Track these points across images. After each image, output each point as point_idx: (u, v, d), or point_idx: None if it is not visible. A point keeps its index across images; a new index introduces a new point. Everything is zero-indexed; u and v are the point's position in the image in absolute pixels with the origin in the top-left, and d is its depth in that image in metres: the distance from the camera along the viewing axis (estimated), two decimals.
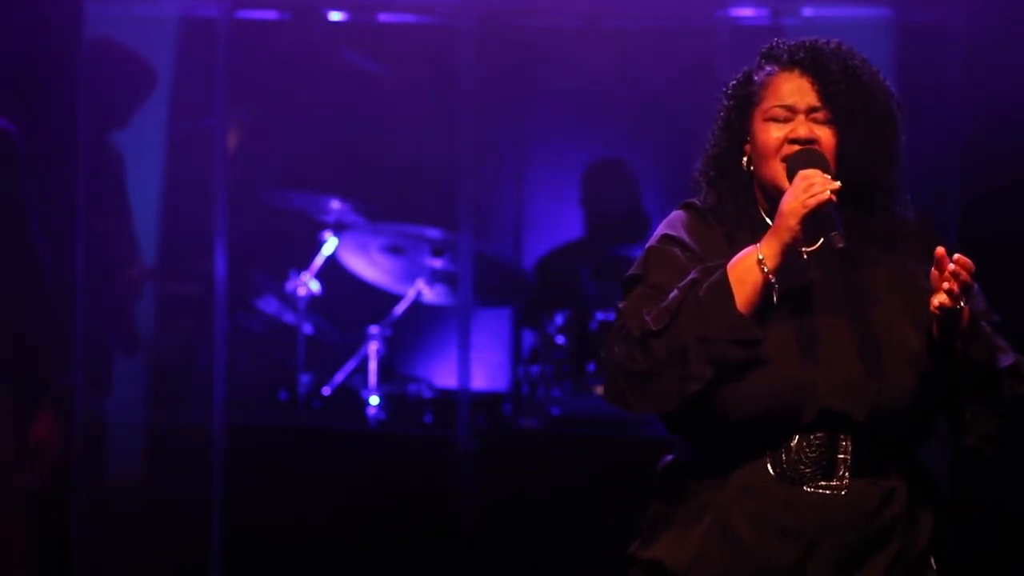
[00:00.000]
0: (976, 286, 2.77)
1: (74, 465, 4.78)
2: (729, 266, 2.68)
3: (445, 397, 6.14)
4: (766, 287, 2.67)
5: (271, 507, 5.70)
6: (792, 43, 2.81)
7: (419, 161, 6.35)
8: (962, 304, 2.63)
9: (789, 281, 2.69)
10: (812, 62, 2.77)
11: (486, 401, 6.11)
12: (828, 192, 2.63)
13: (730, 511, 2.74)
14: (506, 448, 5.89)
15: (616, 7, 6.25)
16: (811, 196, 2.63)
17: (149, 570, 5.57)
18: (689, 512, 2.78)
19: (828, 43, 2.80)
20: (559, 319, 6.03)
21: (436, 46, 6.27)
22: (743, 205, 2.81)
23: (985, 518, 5.23)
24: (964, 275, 2.62)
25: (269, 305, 6.40)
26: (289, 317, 6.35)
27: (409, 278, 6.46)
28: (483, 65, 6.14)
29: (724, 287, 2.66)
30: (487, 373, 6.45)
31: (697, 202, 2.86)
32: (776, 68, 2.80)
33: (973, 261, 2.68)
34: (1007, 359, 2.75)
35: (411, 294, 6.43)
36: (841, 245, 2.62)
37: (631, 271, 2.81)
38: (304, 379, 6.24)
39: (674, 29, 6.26)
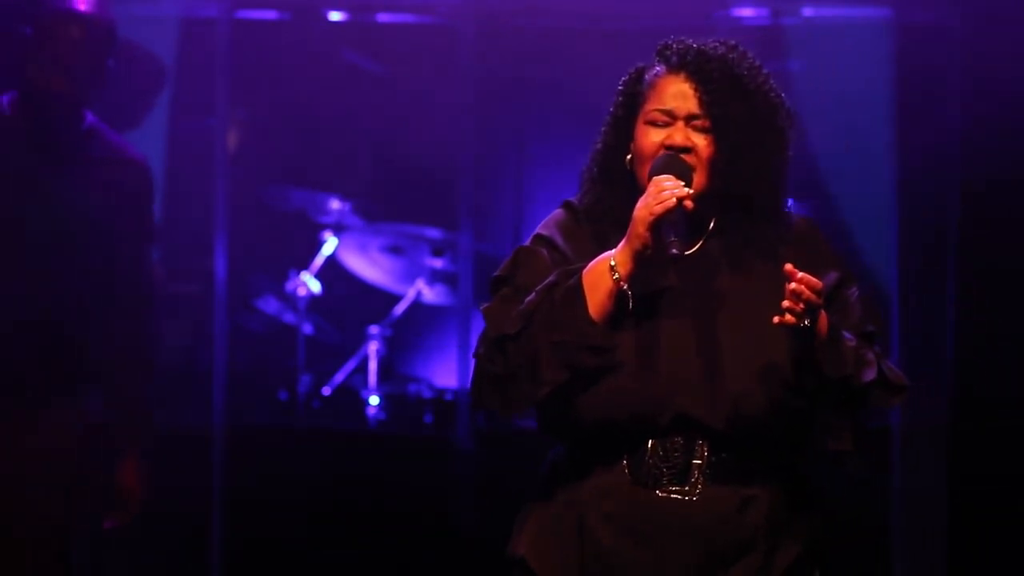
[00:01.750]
0: (856, 292, 2.80)
1: (77, 465, 4.78)
2: (584, 272, 2.69)
3: (445, 397, 6.14)
4: (619, 294, 2.67)
5: (271, 507, 5.70)
6: (684, 45, 2.80)
7: (419, 161, 6.34)
8: (806, 323, 2.60)
9: (644, 288, 2.69)
10: (697, 68, 2.75)
11: None
12: (675, 199, 2.62)
13: (588, 512, 2.75)
14: (506, 448, 5.88)
15: (616, 7, 6.25)
16: (659, 203, 2.63)
17: (149, 570, 5.57)
18: (553, 511, 2.81)
19: (718, 48, 2.78)
20: None
21: (436, 46, 6.26)
22: (619, 204, 2.79)
23: (983, 521, 5.24)
24: (807, 294, 2.59)
25: (269, 305, 6.40)
26: (289, 317, 6.35)
27: (409, 278, 6.46)
28: (483, 65, 6.14)
29: (578, 293, 2.67)
30: None
31: (574, 201, 2.87)
32: (664, 70, 2.79)
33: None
34: (869, 374, 2.71)
35: (411, 294, 6.43)
36: (674, 252, 2.62)
37: (498, 271, 2.83)
38: (304, 379, 6.24)
39: (674, 29, 6.24)
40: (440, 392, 6.22)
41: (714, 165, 2.73)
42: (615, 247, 2.70)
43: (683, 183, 2.66)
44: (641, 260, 2.66)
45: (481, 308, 2.80)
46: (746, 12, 6.16)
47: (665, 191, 2.64)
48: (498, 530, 5.92)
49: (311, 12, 6.34)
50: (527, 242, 2.85)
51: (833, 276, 2.80)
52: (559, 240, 2.82)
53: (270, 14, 6.32)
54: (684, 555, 2.71)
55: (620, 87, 2.87)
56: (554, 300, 2.68)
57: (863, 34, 5.94)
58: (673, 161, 2.72)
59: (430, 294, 6.46)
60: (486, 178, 6.44)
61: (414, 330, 6.61)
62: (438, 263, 6.39)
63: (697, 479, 2.72)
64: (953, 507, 5.35)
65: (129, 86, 5.67)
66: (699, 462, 2.72)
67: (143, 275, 4.23)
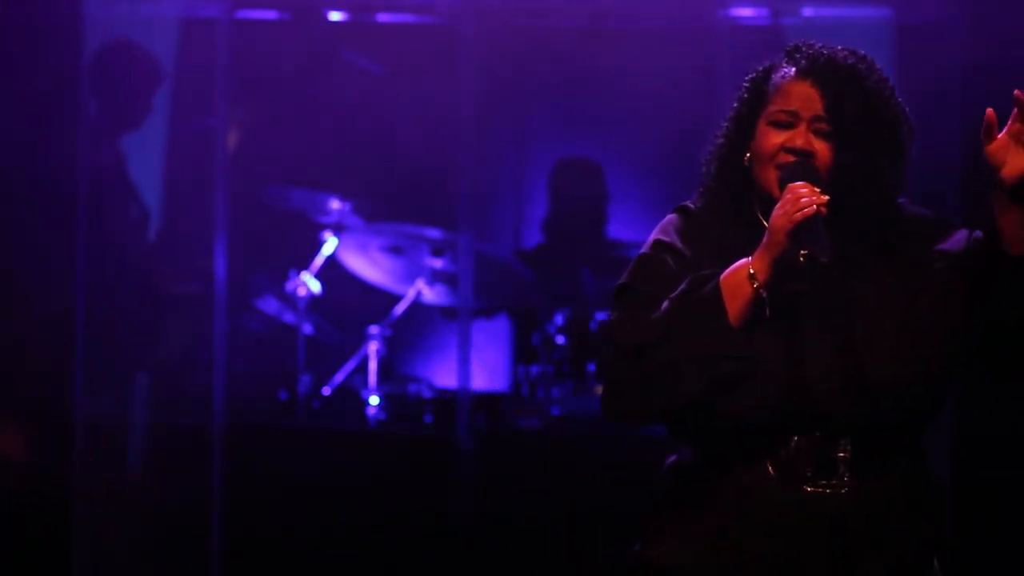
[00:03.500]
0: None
1: (74, 465, 4.79)
2: (722, 279, 2.69)
3: (445, 397, 6.14)
4: (757, 301, 2.67)
5: (271, 507, 5.70)
6: (814, 49, 2.79)
7: (419, 161, 6.34)
8: None
9: (782, 294, 2.69)
10: (826, 73, 2.75)
11: (486, 401, 6.11)
12: (815, 206, 2.62)
13: (730, 513, 2.75)
14: (506, 448, 5.89)
15: (616, 7, 6.25)
16: (798, 210, 2.63)
17: (149, 570, 5.57)
18: (691, 514, 2.80)
19: (848, 56, 2.78)
20: (559, 319, 6.03)
21: (436, 46, 6.26)
22: (739, 204, 2.81)
23: (987, 509, 5.23)
24: None
25: (269, 305, 6.40)
26: (289, 317, 6.35)
27: (409, 278, 6.46)
28: (483, 65, 6.14)
29: (717, 301, 2.67)
30: (487, 373, 6.45)
31: (690, 204, 2.86)
32: (792, 72, 2.78)
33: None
34: None
35: (411, 294, 6.43)
36: (824, 259, 2.63)
37: (621, 280, 2.82)
38: (304, 379, 6.24)
39: (674, 29, 6.26)
40: (440, 392, 6.22)
41: (832, 172, 2.73)
42: (736, 246, 2.72)
43: (819, 190, 2.66)
44: (780, 267, 2.66)
45: (609, 317, 2.79)
46: (746, 12, 6.16)
47: (803, 198, 2.64)
48: (498, 530, 5.93)
49: (311, 12, 6.34)
50: (647, 249, 2.83)
51: (963, 233, 2.83)
52: (680, 246, 2.81)
53: (270, 14, 6.32)
54: (829, 549, 2.73)
55: (745, 84, 2.85)
56: (693, 308, 2.68)
57: (863, 34, 5.94)
58: (804, 168, 2.72)
59: (430, 294, 6.46)
60: (486, 178, 6.44)
61: (414, 330, 6.61)
62: (438, 263, 6.39)
63: (843, 472, 2.73)
64: (954, 507, 5.34)
65: (130, 87, 5.68)
66: (843, 455, 2.73)
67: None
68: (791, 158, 2.74)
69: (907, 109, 2.81)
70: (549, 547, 5.58)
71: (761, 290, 2.66)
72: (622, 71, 6.34)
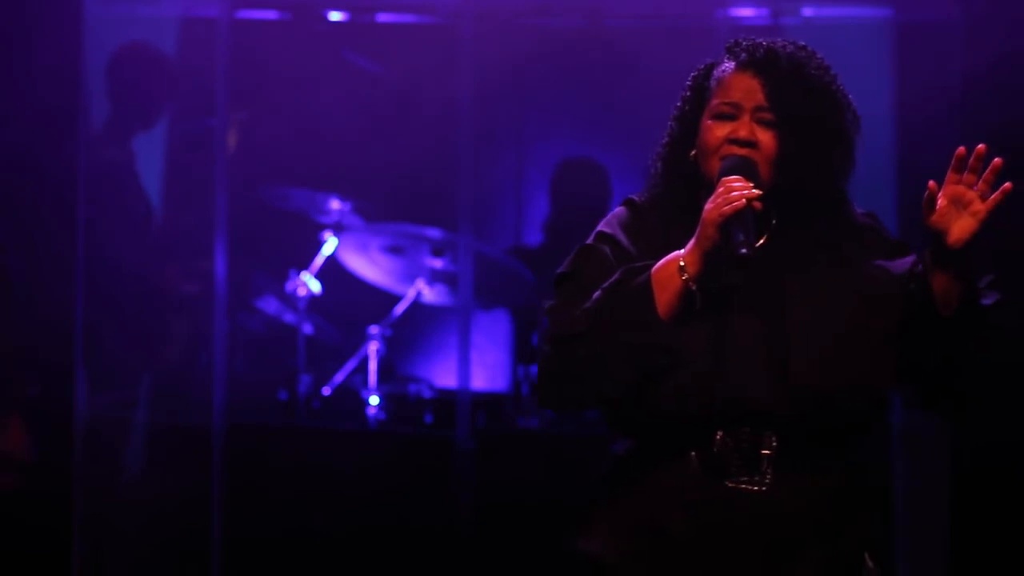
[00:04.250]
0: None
1: (75, 465, 4.79)
2: (653, 271, 2.70)
3: (445, 397, 6.14)
4: (687, 294, 2.68)
5: (271, 507, 5.70)
6: (753, 42, 2.82)
7: (419, 161, 6.34)
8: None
9: (713, 287, 2.70)
10: (766, 63, 2.78)
11: (486, 401, 6.11)
12: (744, 200, 2.63)
13: (659, 504, 2.77)
14: (506, 448, 5.89)
15: (616, 7, 6.25)
16: (728, 204, 2.64)
17: (149, 570, 5.57)
18: (623, 504, 2.82)
19: (787, 47, 2.81)
20: None
21: (436, 46, 6.26)
22: (684, 198, 2.82)
23: (985, 521, 5.23)
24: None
25: (269, 305, 6.40)
26: (289, 317, 6.35)
27: (409, 278, 6.45)
28: (483, 65, 6.14)
29: (646, 292, 2.69)
30: (487, 373, 6.45)
31: (636, 198, 2.89)
32: (732, 66, 2.81)
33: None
34: (989, 299, 2.80)
35: (411, 294, 6.43)
36: (745, 252, 2.63)
37: (560, 269, 2.84)
38: (304, 379, 6.24)
39: (674, 29, 6.26)
40: (440, 392, 6.22)
41: (777, 161, 2.76)
42: (679, 242, 2.73)
43: (752, 184, 2.68)
44: (710, 260, 2.68)
45: (545, 306, 2.81)
46: (746, 12, 6.16)
47: (734, 192, 2.65)
48: (498, 530, 5.93)
49: (311, 12, 6.34)
50: (590, 240, 2.86)
51: (909, 259, 2.83)
52: (622, 238, 2.83)
53: (270, 14, 6.32)
54: (753, 545, 2.74)
55: (688, 83, 2.89)
56: (622, 299, 2.70)
57: (863, 34, 5.94)
58: (741, 162, 2.74)
59: (430, 294, 6.46)
60: (486, 178, 6.44)
61: (414, 330, 6.60)
62: (438, 263, 6.39)
63: (766, 469, 2.74)
64: (954, 507, 5.34)
65: (146, 89, 5.69)
66: (768, 452, 2.74)
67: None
68: (736, 149, 2.76)
69: (850, 97, 2.83)
70: (549, 547, 5.58)
71: (691, 283, 2.68)
72: (622, 71, 6.34)
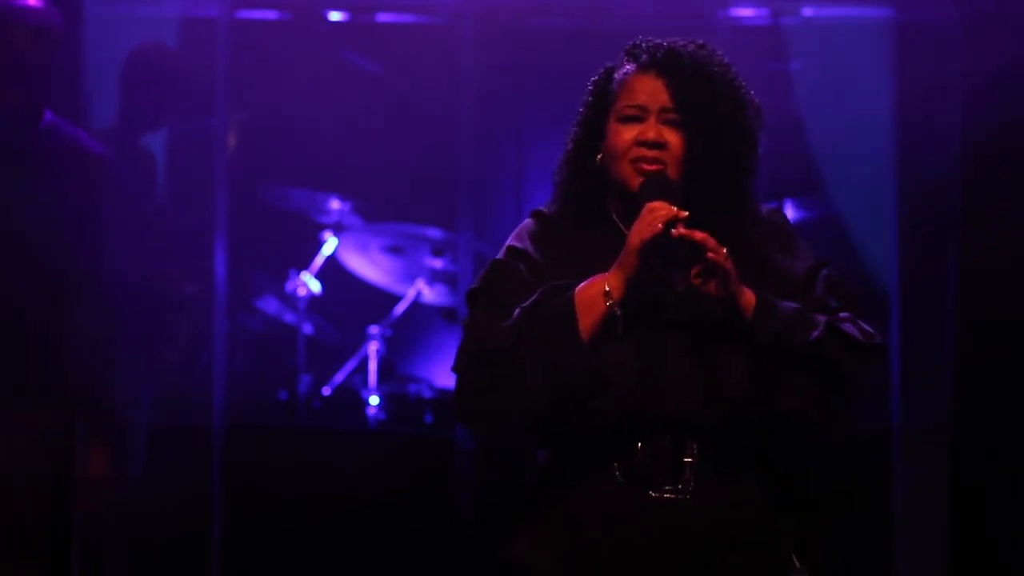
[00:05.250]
0: (825, 273, 2.83)
1: (75, 465, 4.78)
2: (576, 293, 2.70)
3: (445, 397, 6.14)
4: (610, 318, 2.69)
5: (271, 507, 5.70)
6: (653, 43, 2.85)
7: (419, 161, 6.34)
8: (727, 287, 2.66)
9: (635, 310, 2.71)
10: (668, 64, 2.80)
11: None
12: (660, 224, 2.64)
13: (582, 514, 2.77)
14: (505, 448, 5.88)
15: (616, 7, 6.24)
16: (648, 230, 2.65)
17: (149, 570, 5.57)
18: (547, 513, 2.82)
19: (688, 45, 2.83)
20: None
21: (436, 46, 6.26)
22: (592, 206, 2.83)
23: (985, 521, 5.23)
24: (720, 260, 2.65)
25: (269, 305, 6.40)
26: (289, 317, 6.35)
27: (409, 278, 6.46)
28: (483, 65, 6.14)
29: (569, 314, 2.69)
30: None
31: (544, 209, 2.89)
32: (634, 68, 2.83)
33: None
34: (814, 333, 2.74)
35: (411, 294, 6.43)
36: (680, 289, 2.67)
37: (474, 285, 2.86)
38: (304, 379, 6.24)
39: (674, 29, 6.25)
40: (440, 392, 6.22)
41: (685, 161, 2.75)
42: (588, 250, 2.74)
43: (675, 207, 2.67)
44: (633, 286, 2.69)
45: (461, 321, 2.81)
46: (746, 12, 6.16)
47: (657, 217, 2.66)
48: (498, 530, 5.92)
49: (311, 12, 6.34)
50: (501, 255, 2.87)
51: (803, 264, 2.84)
52: (532, 251, 2.84)
53: (270, 14, 6.32)
54: (677, 553, 2.74)
55: (589, 87, 2.90)
56: (544, 320, 2.70)
57: (863, 34, 5.94)
58: (660, 182, 2.74)
59: (430, 294, 6.46)
60: (486, 178, 6.44)
61: (414, 330, 6.61)
62: (438, 263, 6.39)
63: (688, 477, 2.74)
64: (954, 507, 5.34)
65: (161, 89, 5.69)
66: (689, 460, 2.74)
67: (99, 270, 4.23)
68: (645, 151, 2.75)
69: (752, 93, 2.83)
70: None
71: (615, 308, 2.68)
72: None
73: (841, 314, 2.79)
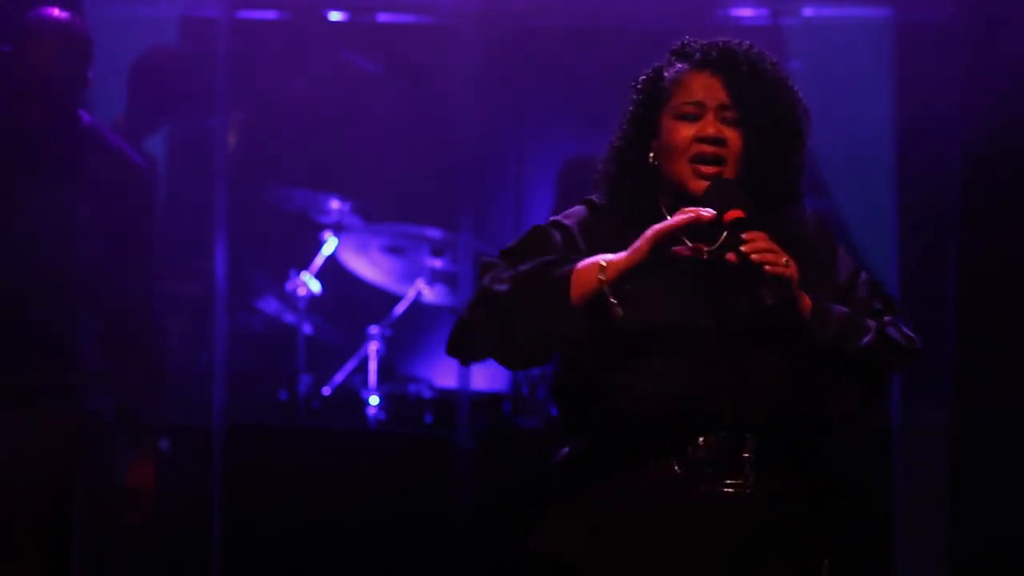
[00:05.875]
0: (865, 276, 2.87)
1: (75, 465, 4.78)
2: (578, 264, 2.72)
3: (445, 397, 6.14)
4: (599, 293, 2.68)
5: (271, 507, 5.70)
6: (705, 42, 2.85)
7: (419, 161, 6.34)
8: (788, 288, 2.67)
9: (622, 297, 2.70)
10: (723, 62, 2.80)
11: (486, 401, 6.11)
12: (679, 219, 2.65)
13: (631, 506, 2.77)
14: (506, 448, 5.88)
15: (616, 7, 6.25)
16: (669, 223, 2.67)
17: (149, 570, 5.57)
18: (591, 506, 2.82)
19: (740, 44, 2.83)
20: None
21: (436, 46, 6.26)
22: (641, 202, 2.83)
23: (984, 521, 5.23)
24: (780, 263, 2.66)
25: (269, 305, 6.40)
26: (289, 317, 6.35)
27: (409, 278, 6.46)
28: (483, 65, 6.14)
29: (565, 280, 2.70)
30: (487, 373, 6.45)
31: (596, 199, 2.91)
32: (687, 66, 2.83)
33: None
34: (866, 338, 2.77)
35: (411, 294, 6.43)
36: (768, 303, 2.66)
37: (509, 245, 2.86)
38: (304, 379, 6.24)
39: (674, 29, 6.25)
40: (440, 392, 6.22)
41: (743, 158, 2.76)
42: (631, 244, 2.73)
43: (741, 208, 2.68)
44: (631, 271, 2.69)
45: (481, 261, 2.84)
46: (746, 12, 6.16)
47: (685, 215, 2.67)
48: (498, 530, 5.93)
49: (311, 12, 6.34)
50: (543, 223, 2.87)
51: (846, 265, 2.87)
52: (576, 232, 2.84)
53: (270, 14, 6.33)
54: (728, 547, 2.75)
55: (637, 86, 2.89)
56: (543, 278, 2.72)
57: (863, 34, 5.94)
58: (722, 184, 2.75)
59: (430, 294, 6.46)
60: (486, 178, 6.44)
61: (414, 330, 6.60)
62: (438, 263, 6.39)
63: (747, 472, 2.76)
64: (954, 507, 5.35)
65: (165, 91, 5.69)
66: (748, 456, 2.75)
67: (143, 277, 4.26)
68: (706, 148, 2.76)
69: (799, 93, 2.84)
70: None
71: (605, 285, 2.68)
72: (622, 71, 6.33)
73: (885, 317, 2.83)
